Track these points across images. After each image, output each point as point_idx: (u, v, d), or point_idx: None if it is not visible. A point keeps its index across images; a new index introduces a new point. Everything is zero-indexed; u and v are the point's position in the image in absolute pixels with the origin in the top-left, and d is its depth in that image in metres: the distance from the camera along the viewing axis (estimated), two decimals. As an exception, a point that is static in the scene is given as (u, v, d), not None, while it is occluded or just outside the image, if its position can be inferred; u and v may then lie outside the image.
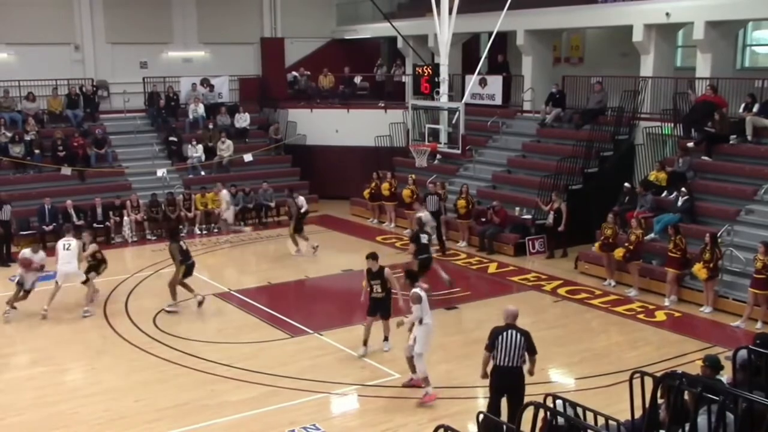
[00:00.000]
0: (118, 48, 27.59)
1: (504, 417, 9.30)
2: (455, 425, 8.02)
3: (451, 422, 8.55)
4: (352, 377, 12.54)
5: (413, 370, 11.62)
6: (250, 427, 10.87)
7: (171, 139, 25.58)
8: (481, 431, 7.71)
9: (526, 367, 9.95)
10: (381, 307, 13.25)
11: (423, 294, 11.25)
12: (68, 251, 15.54)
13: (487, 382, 10.08)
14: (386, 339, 13.46)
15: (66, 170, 23.24)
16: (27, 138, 23.54)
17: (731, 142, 18.66)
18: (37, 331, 15.03)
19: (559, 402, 7.56)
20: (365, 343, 13.43)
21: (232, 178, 24.74)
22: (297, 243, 20.49)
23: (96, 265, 16.37)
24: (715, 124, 18.82)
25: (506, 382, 9.78)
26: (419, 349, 11.28)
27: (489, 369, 9.97)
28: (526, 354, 9.81)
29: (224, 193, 23.20)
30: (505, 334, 9.72)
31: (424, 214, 18.12)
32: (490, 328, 11.75)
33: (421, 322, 11.27)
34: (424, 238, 16.51)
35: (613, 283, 17.50)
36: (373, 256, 13.35)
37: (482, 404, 11.21)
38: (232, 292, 17.20)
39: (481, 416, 7.87)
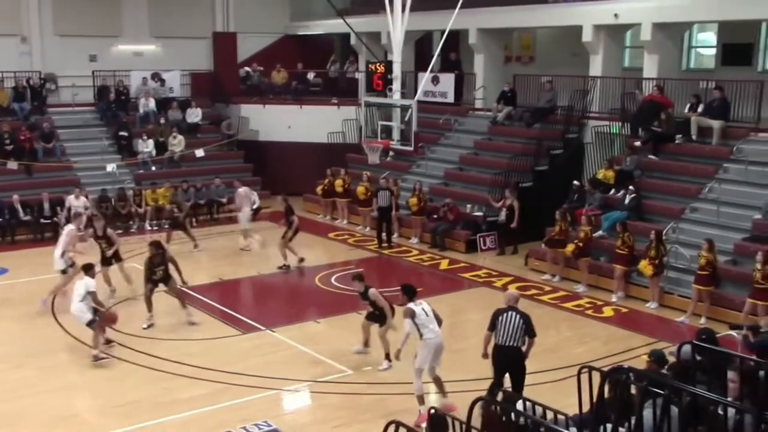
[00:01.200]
0: (66, 40, 27.08)
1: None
2: (408, 421, 8.11)
3: (404, 418, 8.63)
4: (305, 373, 12.56)
5: (441, 391, 11.22)
6: (202, 424, 10.83)
7: (121, 133, 25.23)
8: (431, 427, 7.81)
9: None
10: (379, 319, 12.80)
11: (418, 309, 10.92)
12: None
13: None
14: (387, 357, 12.67)
15: (12, 164, 22.80)
16: (-28, 131, 23.05)
17: (677, 141, 19.07)
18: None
19: (509, 397, 7.70)
20: (366, 343, 13.20)
21: (184, 174, 24.52)
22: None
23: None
24: (661, 123, 19.21)
25: (507, 360, 10.48)
26: (418, 365, 10.93)
27: (490, 349, 10.59)
28: (525, 336, 10.46)
29: (245, 191, 21.63)
30: (505, 315, 10.48)
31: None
32: (443, 324, 11.89)
33: (421, 337, 10.90)
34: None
35: (557, 279, 17.76)
36: (359, 277, 12.94)
37: (434, 399, 11.35)
38: (183, 288, 17.04)
39: (432, 411, 7.97)
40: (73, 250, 16.02)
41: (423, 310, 10.98)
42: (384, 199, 21.04)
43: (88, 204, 20.41)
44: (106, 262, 16.45)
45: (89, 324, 12.99)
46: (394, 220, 21.42)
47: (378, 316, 12.77)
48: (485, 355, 10.67)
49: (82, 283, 13.07)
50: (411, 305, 11.05)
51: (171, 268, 14.95)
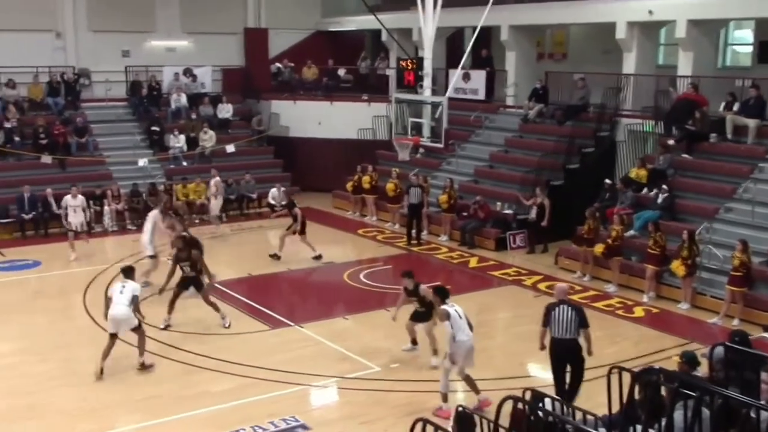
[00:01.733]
0: (100, 36, 27.33)
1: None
2: (435, 419, 8.08)
3: (430, 416, 8.60)
4: (332, 370, 12.56)
5: (474, 389, 11.09)
6: (228, 418, 10.85)
7: (153, 128, 25.41)
8: (458, 424, 7.75)
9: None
10: (424, 317, 12.68)
11: (452, 310, 10.84)
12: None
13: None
14: (435, 353, 12.61)
15: (46, 158, 23.04)
16: (7, 125, 23.31)
17: (711, 140, 18.80)
18: (15, 321, 14.93)
19: (538, 396, 7.63)
20: (414, 342, 13.07)
21: (214, 169, 24.61)
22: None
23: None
24: (695, 122, 18.95)
25: (564, 352, 10.64)
26: (447, 365, 10.89)
27: (547, 341, 10.77)
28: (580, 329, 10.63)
29: (216, 181, 22.47)
30: (558, 309, 10.62)
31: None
32: (472, 322, 11.82)
33: (454, 339, 10.78)
34: None
35: (587, 278, 17.60)
36: (408, 275, 12.78)
37: (461, 398, 11.29)
38: (213, 283, 17.12)
39: (460, 409, 7.92)
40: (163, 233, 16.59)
41: (456, 311, 10.89)
42: (415, 196, 21.02)
43: (85, 204, 19.49)
44: None
45: (136, 329, 12.42)
46: (423, 217, 21.35)
47: (424, 314, 12.62)
48: (543, 347, 10.85)
49: (128, 287, 12.38)
50: (445, 307, 10.96)
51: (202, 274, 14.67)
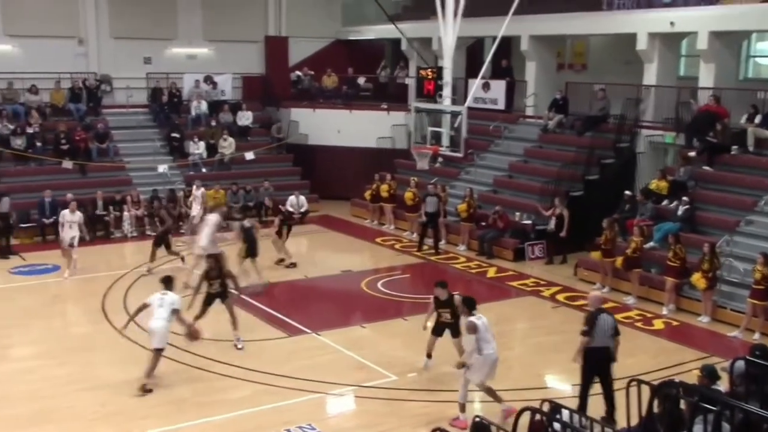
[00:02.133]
0: (122, 43, 27.54)
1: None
2: (452, 430, 8.05)
3: (447, 426, 8.57)
4: (349, 378, 12.54)
5: (496, 399, 10.98)
6: (245, 425, 10.87)
7: (173, 135, 25.56)
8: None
9: None
10: (451, 328, 12.54)
11: (480, 323, 10.73)
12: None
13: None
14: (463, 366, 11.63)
15: (67, 164, 23.23)
16: (30, 130, 23.51)
17: (732, 152, 18.67)
18: (35, 325, 15.03)
19: (555, 408, 7.58)
20: (429, 355, 12.83)
21: (233, 176, 24.75)
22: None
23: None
24: (716, 134, 18.83)
25: (601, 362, 10.66)
26: (469, 377, 10.81)
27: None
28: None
29: (201, 192, 21.84)
30: (600, 317, 10.69)
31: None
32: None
33: (480, 352, 10.66)
34: None
35: (606, 289, 17.50)
36: (442, 285, 12.62)
37: (478, 408, 11.24)
38: (230, 290, 17.15)
39: (477, 419, 7.88)
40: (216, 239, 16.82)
41: (484, 323, 10.82)
42: (432, 205, 21.01)
43: (82, 220, 18.55)
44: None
45: (158, 351, 11.98)
46: (441, 226, 21.33)
47: (452, 326, 12.48)
48: (577, 359, 10.82)
49: (168, 300, 11.98)
50: (473, 319, 10.87)
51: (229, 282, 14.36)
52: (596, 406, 10.55)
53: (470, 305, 11.19)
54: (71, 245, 18.03)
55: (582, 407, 9.94)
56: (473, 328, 10.70)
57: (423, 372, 12.72)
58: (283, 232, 19.17)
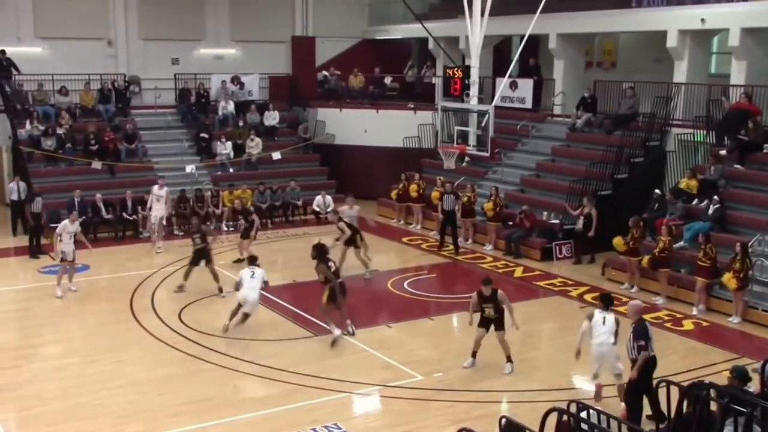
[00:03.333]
0: (150, 44, 27.81)
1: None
2: (477, 429, 7.99)
3: (473, 426, 8.52)
4: (375, 377, 12.53)
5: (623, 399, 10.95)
6: (272, 424, 10.89)
7: (201, 135, 25.71)
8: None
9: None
10: (495, 323, 12.71)
11: (598, 315, 11.29)
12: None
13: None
14: (509, 360, 12.76)
15: (96, 164, 23.44)
16: (60, 131, 23.78)
17: (765, 150, 18.41)
18: (65, 324, 15.21)
19: (583, 409, 7.51)
20: (474, 355, 12.95)
21: (261, 176, 24.84)
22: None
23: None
24: (748, 132, 18.60)
25: (651, 371, 10.47)
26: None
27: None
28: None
29: (163, 191, 21.21)
30: (649, 326, 10.74)
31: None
32: (514, 332, 11.73)
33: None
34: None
35: (635, 289, 17.34)
36: (487, 282, 12.73)
37: (505, 408, 11.19)
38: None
39: (504, 420, 7.81)
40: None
41: (603, 318, 11.25)
42: (448, 203, 21.00)
43: (79, 229, 17.45)
44: (195, 260, 17.02)
45: (248, 315, 14.47)
46: (467, 225, 21.29)
47: (496, 321, 12.64)
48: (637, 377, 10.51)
49: (258, 273, 14.50)
50: (596, 311, 11.41)
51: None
52: (618, 405, 10.43)
53: (606, 302, 11.57)
54: (66, 259, 16.70)
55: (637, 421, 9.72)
56: (588, 315, 11.55)
57: (450, 372, 12.67)
58: (358, 241, 18.18)
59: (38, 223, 20.23)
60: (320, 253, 14.67)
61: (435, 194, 22.57)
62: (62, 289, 16.65)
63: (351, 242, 17.99)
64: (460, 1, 22.31)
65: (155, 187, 21.06)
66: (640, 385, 10.34)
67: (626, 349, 10.76)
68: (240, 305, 14.34)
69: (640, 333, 10.50)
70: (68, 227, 16.93)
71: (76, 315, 15.66)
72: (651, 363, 10.48)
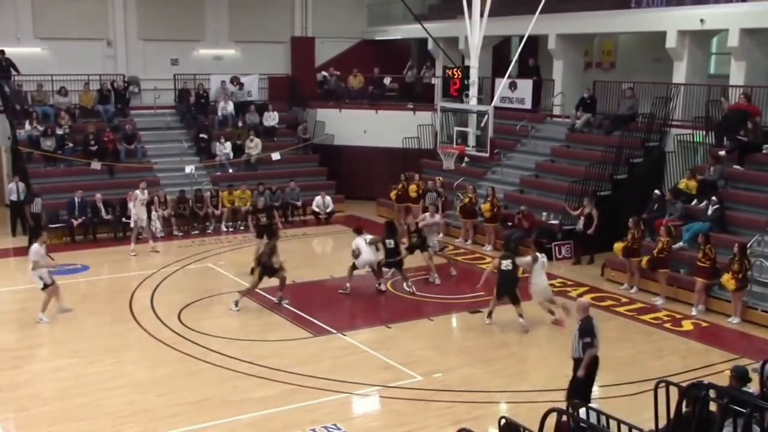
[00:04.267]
0: (149, 45, 27.83)
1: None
2: (477, 429, 7.99)
3: (472, 426, 8.52)
4: (374, 378, 12.52)
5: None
6: (271, 424, 10.89)
7: (200, 136, 25.70)
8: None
9: None
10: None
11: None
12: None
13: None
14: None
15: (96, 165, 23.42)
16: (59, 132, 23.76)
17: (764, 151, 18.41)
18: (64, 324, 15.16)
19: (582, 409, 7.50)
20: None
21: (260, 176, 24.83)
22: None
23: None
24: (747, 132, 18.60)
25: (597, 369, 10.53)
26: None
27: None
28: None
29: (145, 194, 20.97)
30: (595, 324, 10.63)
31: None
32: (514, 333, 11.75)
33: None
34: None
35: (634, 290, 17.34)
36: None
37: (504, 409, 11.19)
38: (257, 290, 17.23)
39: (503, 421, 7.81)
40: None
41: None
42: (430, 201, 21.54)
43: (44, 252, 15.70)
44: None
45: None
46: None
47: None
48: (585, 374, 10.53)
49: (369, 239, 16.91)
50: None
51: None
52: (622, 407, 10.43)
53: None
54: (47, 284, 15.30)
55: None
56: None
57: (450, 372, 12.68)
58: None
59: (37, 223, 20.23)
60: (391, 230, 17.38)
61: (413, 188, 22.64)
62: (49, 314, 15.19)
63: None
64: (460, 2, 22.32)
65: (137, 192, 20.61)
66: (586, 386, 10.34)
67: (571, 348, 10.73)
68: (356, 268, 16.83)
69: (586, 330, 10.41)
70: (40, 250, 15.41)
71: (76, 315, 15.62)
72: (595, 364, 10.46)
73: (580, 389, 10.33)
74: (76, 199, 21.42)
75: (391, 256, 17.13)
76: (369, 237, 17.12)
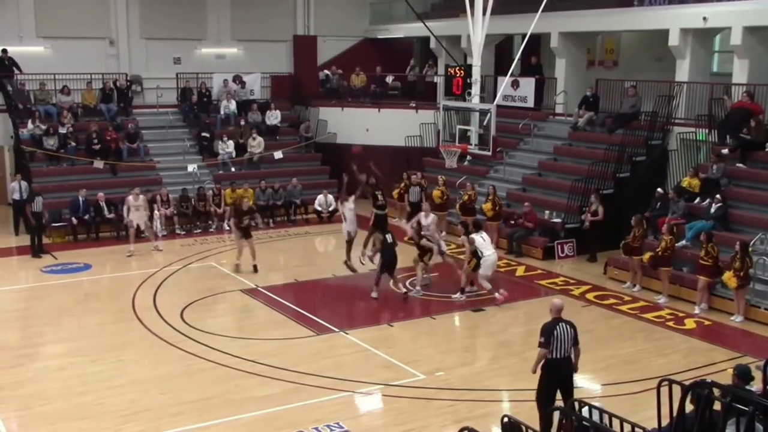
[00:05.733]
0: (152, 43, 27.81)
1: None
2: (479, 428, 7.98)
3: (475, 425, 8.51)
4: (377, 377, 12.51)
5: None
6: (274, 423, 10.88)
7: (203, 134, 25.70)
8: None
9: None
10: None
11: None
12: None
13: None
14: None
15: (98, 163, 23.44)
16: (62, 131, 23.77)
17: (767, 149, 18.38)
18: (66, 323, 15.19)
19: (585, 408, 7.50)
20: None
21: (262, 175, 24.83)
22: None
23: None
24: (750, 131, 18.57)
25: (562, 374, 10.05)
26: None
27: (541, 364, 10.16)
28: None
29: (140, 200, 20.49)
30: (559, 327, 10.01)
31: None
32: (516, 331, 11.75)
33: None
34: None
35: (636, 288, 17.33)
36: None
37: (507, 407, 11.19)
38: (259, 288, 17.26)
39: (506, 419, 7.81)
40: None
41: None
42: (414, 195, 22.03)
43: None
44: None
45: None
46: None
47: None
48: (536, 371, 10.17)
49: (486, 237, 16.80)
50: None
51: None
52: (624, 405, 10.43)
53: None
54: None
55: (547, 425, 9.22)
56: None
57: (452, 370, 12.68)
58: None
59: (39, 222, 20.22)
60: (470, 226, 17.15)
61: (436, 193, 22.62)
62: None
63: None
64: (462, 0, 22.29)
65: (130, 198, 20.23)
66: (545, 388, 9.98)
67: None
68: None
69: (544, 330, 10.05)
70: None
71: (78, 314, 15.65)
72: (554, 365, 9.97)
73: (538, 391, 10.10)
74: (81, 198, 21.41)
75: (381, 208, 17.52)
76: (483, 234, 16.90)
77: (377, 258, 17.13)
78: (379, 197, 17.62)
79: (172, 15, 27.75)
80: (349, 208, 17.81)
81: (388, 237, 16.71)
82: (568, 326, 10.08)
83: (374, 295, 16.50)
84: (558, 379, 10.04)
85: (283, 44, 30.25)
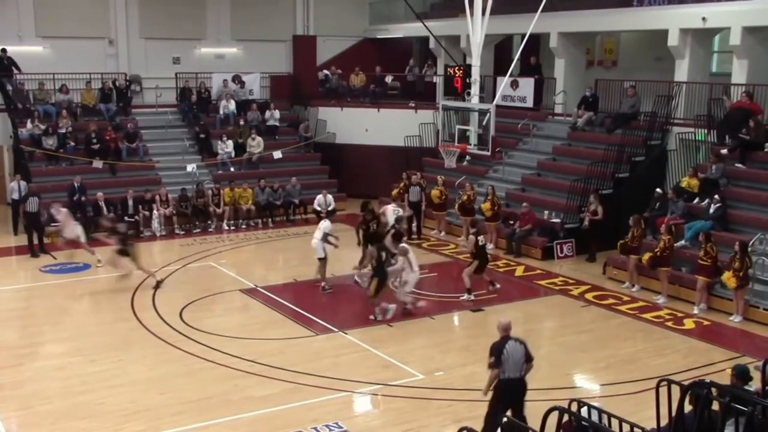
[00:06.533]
0: (151, 43, 27.81)
1: None
2: (479, 428, 7.98)
3: (474, 425, 8.51)
4: (376, 376, 12.52)
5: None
6: (273, 423, 10.89)
7: (202, 134, 25.68)
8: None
9: None
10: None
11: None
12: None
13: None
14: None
15: (98, 163, 23.45)
16: (61, 130, 23.76)
17: (766, 149, 18.40)
18: (66, 322, 15.21)
19: (584, 408, 7.50)
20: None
21: (261, 175, 24.82)
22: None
23: None
24: (749, 131, 18.58)
25: (515, 394, 9.72)
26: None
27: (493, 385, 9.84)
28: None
29: (61, 214, 19.22)
30: (508, 346, 9.73)
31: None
32: (515, 331, 11.65)
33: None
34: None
35: (635, 288, 17.34)
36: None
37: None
38: (258, 288, 17.26)
39: (505, 419, 7.82)
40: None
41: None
42: (414, 195, 21.95)
43: None
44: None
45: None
46: (422, 213, 22.47)
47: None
48: (487, 393, 9.88)
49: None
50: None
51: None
52: (623, 405, 10.44)
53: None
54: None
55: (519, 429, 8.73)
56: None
57: (450, 370, 12.69)
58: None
59: (32, 222, 20.08)
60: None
61: (435, 193, 22.66)
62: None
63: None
64: (461, 0, 22.29)
65: (53, 212, 19.41)
66: (497, 407, 9.60)
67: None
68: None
69: (493, 349, 9.82)
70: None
71: (77, 314, 15.67)
72: (507, 385, 9.64)
73: (488, 412, 9.77)
74: (75, 184, 21.51)
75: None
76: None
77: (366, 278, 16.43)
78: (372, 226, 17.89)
79: (171, 15, 27.75)
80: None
81: (383, 254, 15.63)
82: (518, 343, 9.78)
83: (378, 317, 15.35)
84: (511, 399, 9.69)
85: (283, 44, 30.26)
